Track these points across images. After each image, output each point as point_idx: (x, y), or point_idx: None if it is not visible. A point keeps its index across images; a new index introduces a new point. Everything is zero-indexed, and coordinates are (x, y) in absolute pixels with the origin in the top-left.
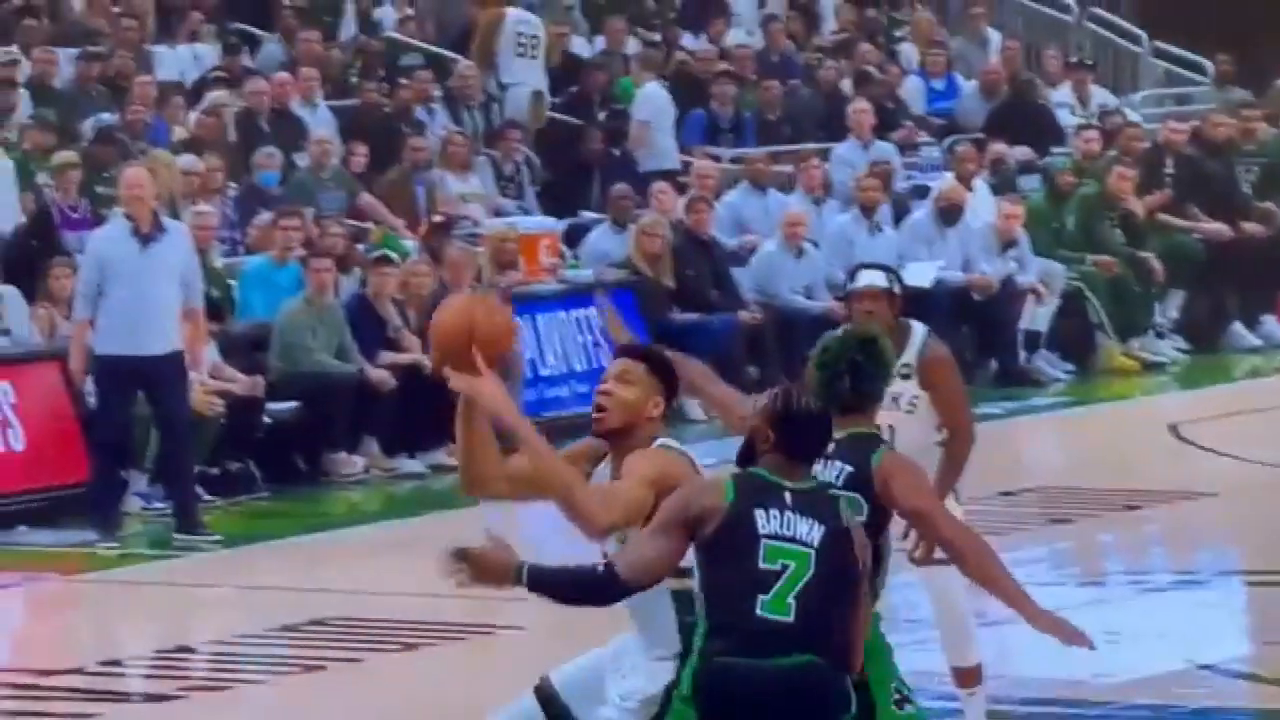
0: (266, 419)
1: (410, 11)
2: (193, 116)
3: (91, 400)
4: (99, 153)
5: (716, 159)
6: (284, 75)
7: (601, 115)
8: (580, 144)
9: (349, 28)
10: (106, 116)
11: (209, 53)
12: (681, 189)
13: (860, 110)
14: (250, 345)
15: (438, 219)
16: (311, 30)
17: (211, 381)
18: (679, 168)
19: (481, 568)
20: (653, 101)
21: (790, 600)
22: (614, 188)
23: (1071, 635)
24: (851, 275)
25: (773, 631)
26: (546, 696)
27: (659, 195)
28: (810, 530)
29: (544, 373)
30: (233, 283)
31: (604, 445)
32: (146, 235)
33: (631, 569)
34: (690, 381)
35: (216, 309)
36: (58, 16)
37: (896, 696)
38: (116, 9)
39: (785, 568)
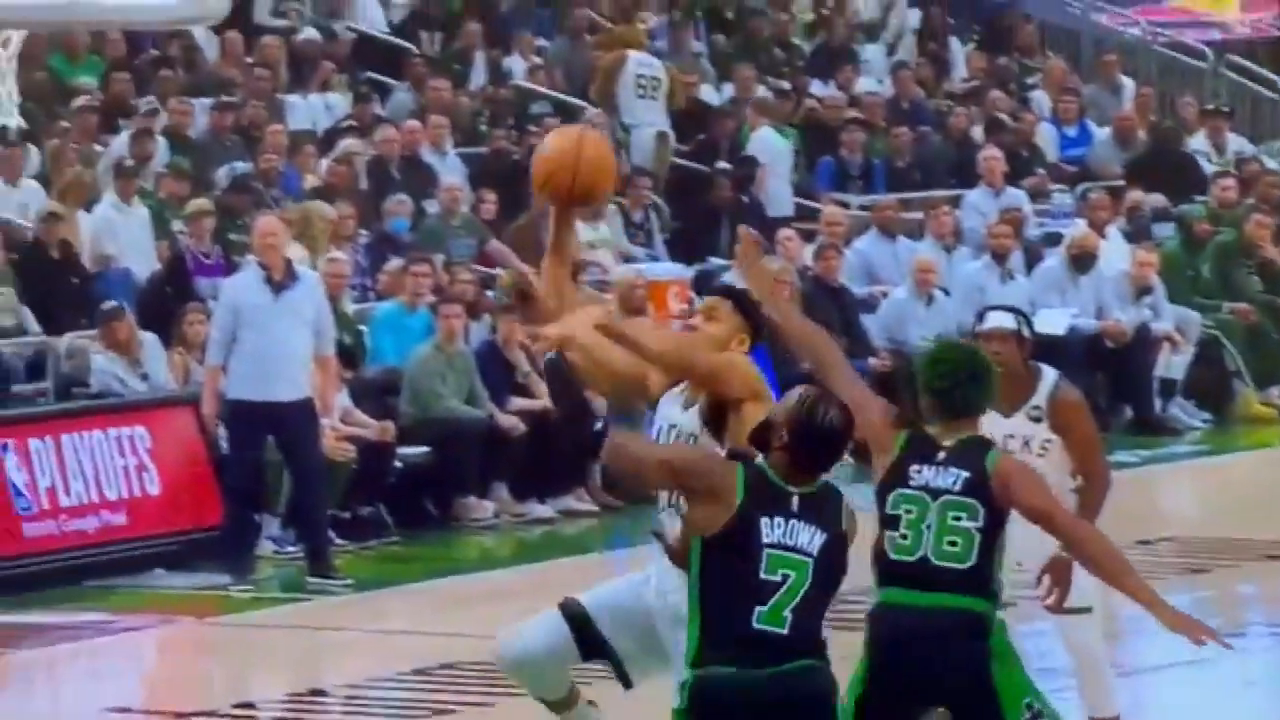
0: (398, 464)
1: (538, 60)
2: (324, 164)
3: (225, 445)
4: (233, 201)
5: (846, 206)
6: (414, 123)
7: (729, 163)
8: (708, 191)
9: (478, 76)
10: (240, 165)
11: (340, 102)
12: (810, 236)
13: (991, 157)
14: (381, 391)
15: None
16: (441, 79)
17: (343, 427)
18: (793, 214)
19: (530, 316)
20: (768, 147)
21: (787, 613)
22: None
23: (1202, 632)
24: (980, 317)
25: (767, 642)
26: (577, 618)
27: (786, 242)
28: (811, 539)
29: None
30: (364, 329)
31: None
32: (279, 283)
33: (620, 448)
34: (762, 293)
35: (348, 355)
36: (193, 67)
37: (1028, 715)
38: (250, 59)
39: (785, 579)
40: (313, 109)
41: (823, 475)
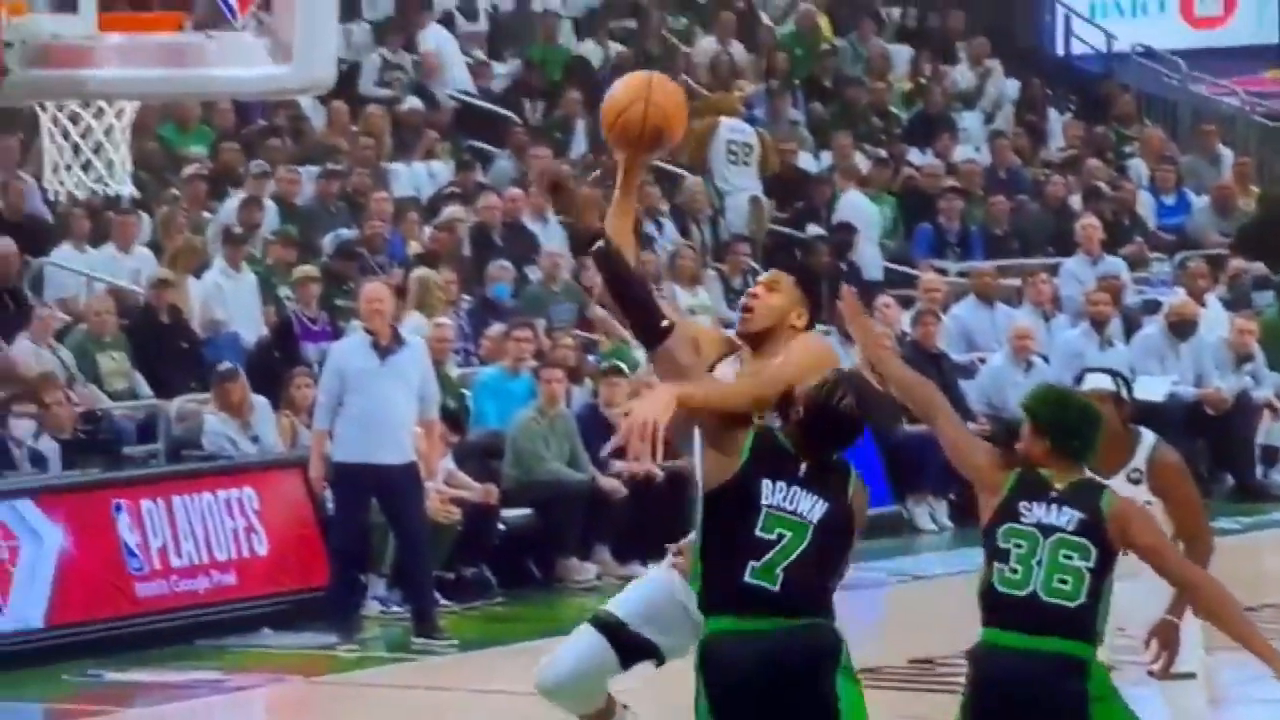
0: (501, 526)
1: None
2: (428, 231)
3: (331, 507)
4: (338, 267)
5: (944, 272)
6: (516, 191)
7: (827, 229)
8: (806, 257)
9: (579, 144)
10: (345, 232)
11: (443, 169)
12: (909, 302)
13: (1089, 225)
14: (484, 454)
15: (666, 327)
16: (542, 147)
17: (447, 489)
18: (881, 278)
19: (564, 205)
20: (858, 212)
21: (779, 571)
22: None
23: None
24: (1078, 379)
25: (757, 597)
26: (610, 625)
27: (884, 309)
28: (813, 507)
29: None
30: (467, 393)
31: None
32: (385, 348)
33: (673, 349)
34: (866, 346)
35: (452, 419)
36: (300, 136)
37: None
38: (355, 128)
39: (781, 538)
40: (416, 176)
41: (832, 454)
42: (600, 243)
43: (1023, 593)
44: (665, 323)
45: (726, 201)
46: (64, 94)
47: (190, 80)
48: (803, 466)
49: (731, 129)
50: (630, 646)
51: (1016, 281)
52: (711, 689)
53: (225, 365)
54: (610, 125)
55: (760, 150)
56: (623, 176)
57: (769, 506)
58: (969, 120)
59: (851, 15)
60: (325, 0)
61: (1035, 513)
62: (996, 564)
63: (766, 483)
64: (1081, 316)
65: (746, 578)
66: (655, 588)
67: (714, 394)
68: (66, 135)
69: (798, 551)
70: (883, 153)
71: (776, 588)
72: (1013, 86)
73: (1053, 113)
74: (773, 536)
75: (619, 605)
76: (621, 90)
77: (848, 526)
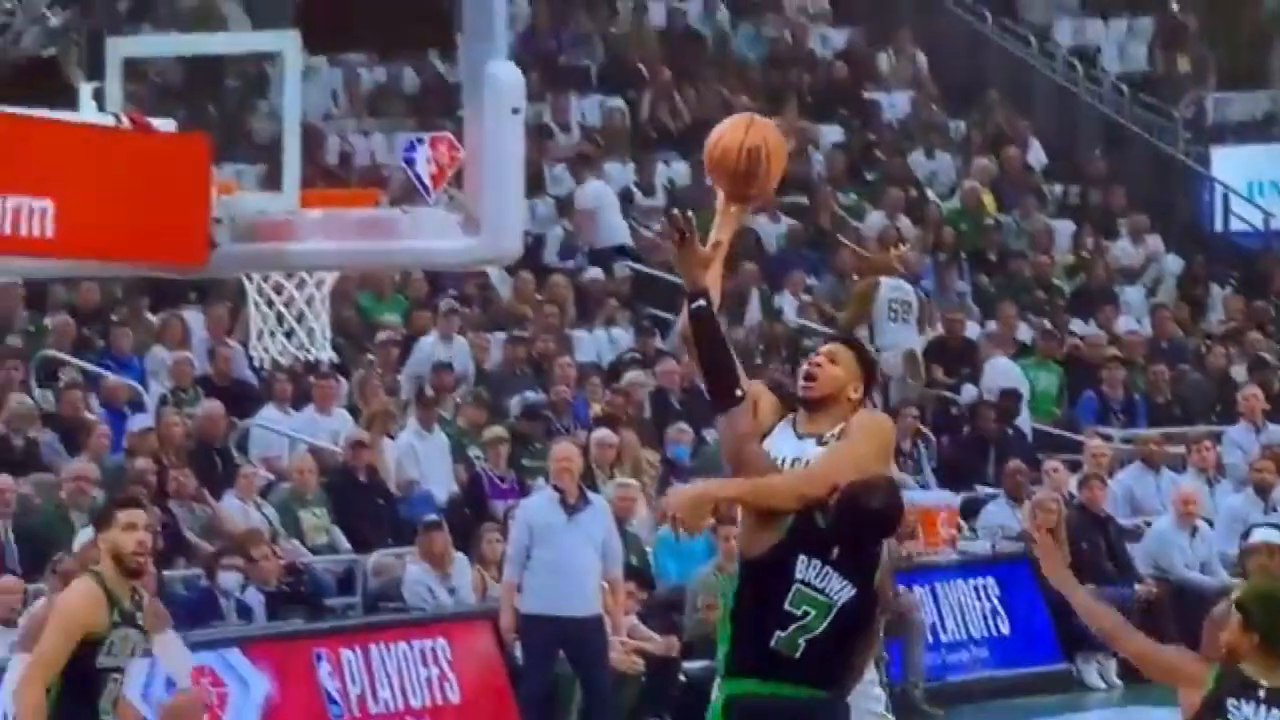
0: (682, 677)
1: (808, 298)
2: (609, 395)
3: (520, 657)
4: (525, 428)
5: (1108, 438)
6: None
7: (993, 395)
8: (974, 422)
9: (753, 313)
10: (531, 395)
11: (623, 336)
12: (1075, 466)
13: (1252, 395)
14: (666, 607)
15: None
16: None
17: (631, 641)
18: (1030, 438)
19: (684, 254)
20: (1005, 376)
21: (801, 641)
22: (1009, 464)
23: None
24: (1246, 534)
25: (780, 660)
26: None
27: (1052, 472)
28: (841, 589)
29: (944, 638)
30: (649, 550)
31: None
32: (573, 505)
33: (736, 415)
34: (1056, 581)
35: (639, 576)
36: (488, 304)
37: None
38: (540, 297)
39: (806, 614)
40: (598, 342)
41: (864, 545)
42: (701, 301)
43: None
44: (739, 391)
45: (884, 356)
46: (269, 266)
47: (386, 252)
48: (836, 549)
49: (893, 287)
50: None
51: (1180, 448)
52: None
53: (430, 517)
54: (710, 154)
55: (919, 308)
56: (721, 218)
57: (801, 582)
58: (1131, 293)
59: (1015, 192)
60: (513, 177)
61: (1244, 710)
62: None
63: (802, 559)
64: (1245, 483)
65: (771, 644)
66: None
67: (762, 494)
68: (271, 304)
69: (820, 629)
70: (1047, 323)
71: (797, 656)
72: (1173, 261)
73: (1214, 287)
74: (799, 612)
75: None
76: (724, 124)
77: (870, 611)
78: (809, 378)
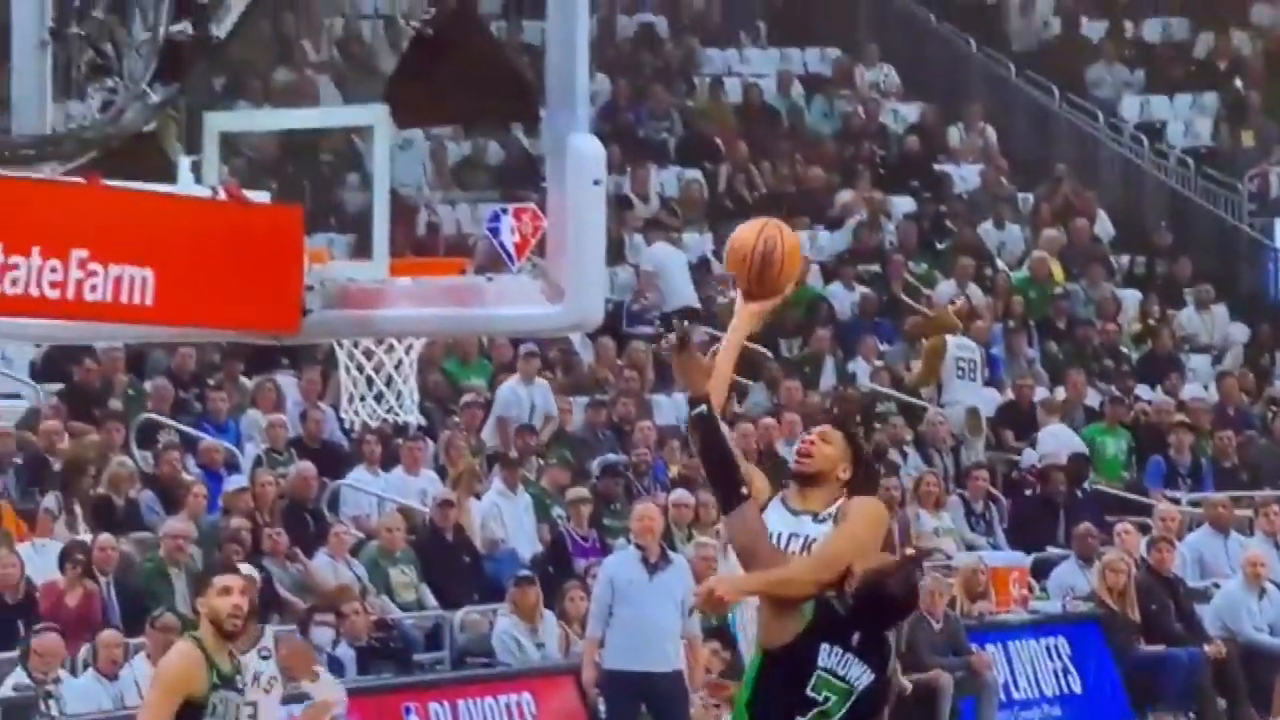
0: None
1: (879, 363)
2: (687, 458)
3: (602, 712)
4: (606, 489)
5: (1176, 501)
6: (769, 420)
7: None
8: (1045, 484)
9: (828, 378)
10: (612, 456)
11: None
12: (1144, 529)
13: None
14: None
15: (910, 552)
16: (794, 380)
17: (709, 696)
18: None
19: (683, 362)
20: (1057, 440)
21: None
22: (1079, 526)
23: None
24: None
25: None
26: None
27: (1123, 535)
28: (861, 675)
29: (1016, 696)
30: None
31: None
32: (654, 564)
33: (744, 511)
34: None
35: (719, 634)
36: (570, 369)
37: None
38: (620, 362)
39: (826, 699)
40: (677, 406)
41: (883, 629)
42: (703, 408)
43: None
44: (744, 489)
45: (948, 412)
46: (358, 332)
47: (471, 319)
48: (856, 635)
49: (959, 346)
50: None
51: (1248, 512)
52: None
53: (523, 572)
54: (726, 255)
55: (981, 359)
56: (737, 317)
57: (823, 669)
58: (1197, 361)
59: (1082, 261)
60: (595, 247)
61: None
62: None
63: (825, 646)
64: None
65: None
66: None
67: (781, 584)
68: (361, 369)
69: (838, 715)
70: (1115, 389)
71: None
72: (1239, 330)
73: (1278, 355)
74: (820, 697)
75: None
76: (742, 226)
77: (884, 696)
78: (804, 455)
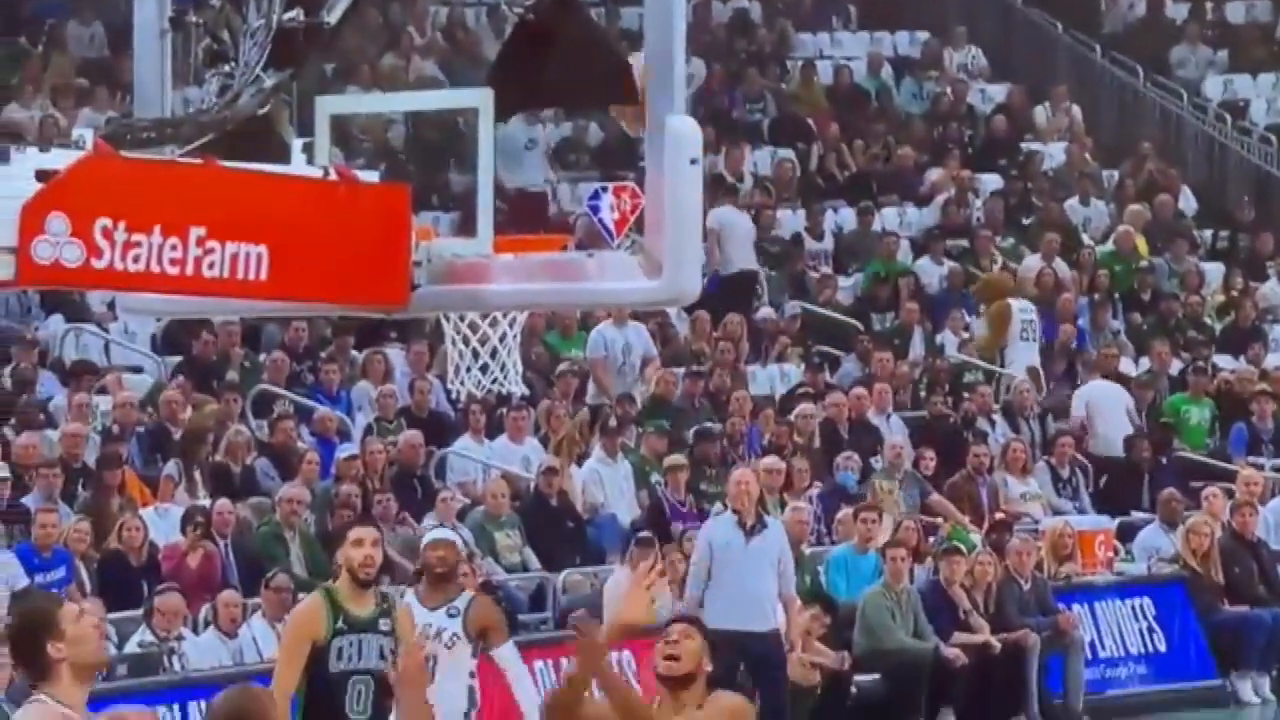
0: (854, 689)
1: (966, 335)
2: (779, 426)
3: None
4: (703, 455)
5: (1259, 468)
6: (861, 390)
7: (1149, 427)
8: (1131, 451)
9: (917, 349)
10: (708, 425)
11: (794, 371)
12: (1228, 494)
13: None
14: (838, 625)
15: (1000, 516)
16: (884, 351)
17: (805, 655)
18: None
19: (582, 651)
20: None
21: None
22: (1164, 491)
23: None
24: None
25: None
26: None
27: (1210, 498)
28: None
29: (1102, 655)
30: (820, 569)
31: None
32: (751, 528)
33: None
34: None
35: (825, 601)
36: (667, 342)
37: None
38: (716, 334)
39: None
40: (770, 377)
41: None
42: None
43: None
44: None
45: (1010, 372)
46: (464, 306)
47: (572, 294)
48: None
49: (1021, 309)
50: None
51: None
52: None
53: (644, 534)
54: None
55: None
56: (586, 652)
57: None
58: (1279, 332)
59: (1166, 236)
60: (691, 223)
61: None
62: None
63: None
64: None
65: None
66: None
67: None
68: (467, 342)
69: None
70: (1198, 360)
71: None
72: None
73: None
74: None
75: None
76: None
77: None
78: (672, 657)
